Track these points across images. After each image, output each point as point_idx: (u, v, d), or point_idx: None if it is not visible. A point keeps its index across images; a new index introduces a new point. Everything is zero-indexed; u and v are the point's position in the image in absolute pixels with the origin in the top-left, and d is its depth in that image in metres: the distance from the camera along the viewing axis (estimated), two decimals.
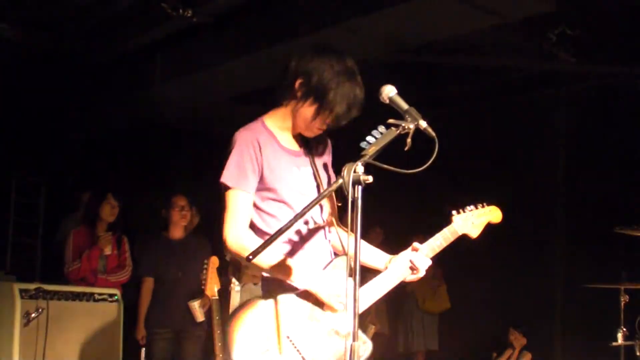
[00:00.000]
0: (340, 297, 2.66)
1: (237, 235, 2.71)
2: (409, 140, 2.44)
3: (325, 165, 2.99)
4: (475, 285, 7.36)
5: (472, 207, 3.02)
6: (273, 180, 2.79)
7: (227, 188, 2.76)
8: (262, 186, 2.79)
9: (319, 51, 2.81)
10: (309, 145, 2.96)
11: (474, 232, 3.00)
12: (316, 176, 2.91)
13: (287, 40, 5.89)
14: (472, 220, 2.99)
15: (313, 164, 2.93)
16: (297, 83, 2.77)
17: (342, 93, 2.72)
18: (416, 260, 2.86)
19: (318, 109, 2.75)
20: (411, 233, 7.44)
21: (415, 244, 2.90)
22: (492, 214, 3.05)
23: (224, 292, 4.84)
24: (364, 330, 2.76)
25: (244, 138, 2.80)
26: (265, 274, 2.80)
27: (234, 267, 4.96)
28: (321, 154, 3.00)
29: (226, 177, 2.76)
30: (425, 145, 2.44)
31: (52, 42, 6.80)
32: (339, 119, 2.77)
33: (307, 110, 2.77)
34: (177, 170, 8.40)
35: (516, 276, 7.21)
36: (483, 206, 3.05)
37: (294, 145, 2.91)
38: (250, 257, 2.45)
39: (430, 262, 2.90)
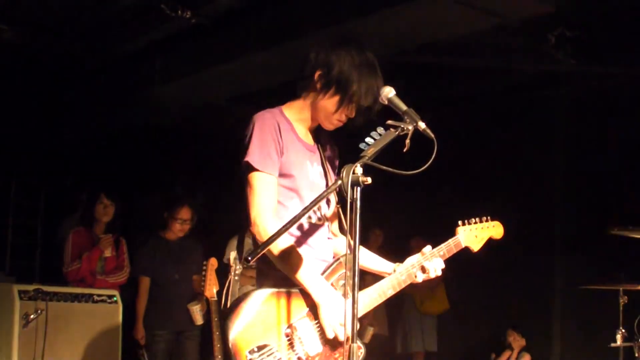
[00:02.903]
0: (337, 329, 2.59)
1: (267, 225, 2.60)
2: (407, 141, 2.43)
3: (333, 167, 2.95)
4: (474, 286, 7.35)
5: (476, 219, 3.01)
6: (290, 166, 2.73)
7: (252, 169, 2.66)
8: (279, 171, 2.71)
9: (338, 42, 2.76)
10: (321, 144, 2.92)
11: (476, 246, 3.00)
12: (327, 176, 2.86)
13: (285, 42, 5.89)
14: (476, 234, 2.99)
15: (324, 163, 2.89)
16: (317, 75, 2.74)
17: (367, 85, 2.68)
18: (428, 265, 2.82)
19: (340, 101, 2.72)
20: (410, 235, 7.53)
21: (424, 250, 2.87)
22: (495, 230, 3.07)
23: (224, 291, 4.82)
24: (363, 332, 2.74)
25: (264, 119, 2.72)
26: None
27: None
28: (330, 155, 2.96)
29: (252, 158, 2.65)
30: (423, 146, 2.44)
31: (51, 43, 6.80)
32: (364, 111, 2.72)
33: (329, 102, 2.74)
34: (176, 171, 8.40)
35: (515, 277, 7.20)
36: (487, 220, 3.04)
37: (309, 140, 2.87)
38: (250, 257, 2.41)
39: (442, 263, 2.87)
